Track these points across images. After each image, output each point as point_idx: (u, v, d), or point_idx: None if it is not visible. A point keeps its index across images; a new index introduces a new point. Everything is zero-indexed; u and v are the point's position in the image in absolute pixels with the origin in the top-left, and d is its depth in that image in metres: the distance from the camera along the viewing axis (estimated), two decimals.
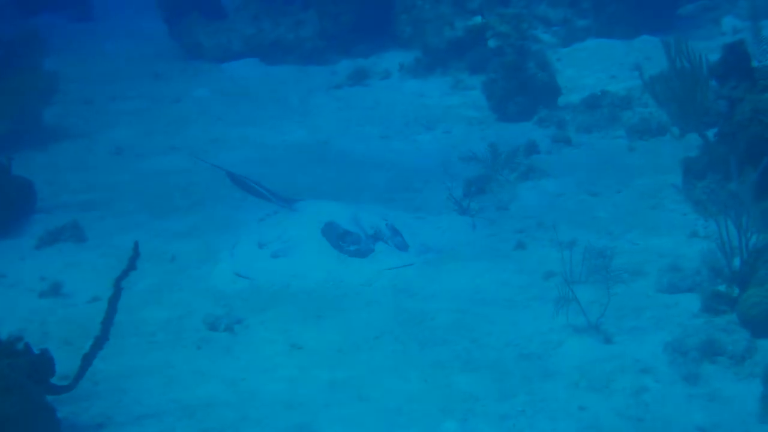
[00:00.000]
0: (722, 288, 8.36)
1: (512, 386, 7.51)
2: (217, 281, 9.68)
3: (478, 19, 15.59)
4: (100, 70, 18.56)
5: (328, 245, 9.90)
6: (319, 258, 9.80)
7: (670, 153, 11.64)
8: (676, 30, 14.72)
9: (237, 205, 11.47)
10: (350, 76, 16.44)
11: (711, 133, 10.62)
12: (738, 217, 8.33)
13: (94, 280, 9.53)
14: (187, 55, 19.35)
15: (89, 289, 9.48)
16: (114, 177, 12.70)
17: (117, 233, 10.72)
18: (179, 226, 11.05)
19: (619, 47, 15.67)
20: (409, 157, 12.89)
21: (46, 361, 7.13)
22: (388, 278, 9.54)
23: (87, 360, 7.35)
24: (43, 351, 7.14)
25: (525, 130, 13.12)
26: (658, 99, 11.13)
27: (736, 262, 8.35)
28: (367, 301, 9.16)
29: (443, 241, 10.30)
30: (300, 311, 8.98)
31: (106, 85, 17.29)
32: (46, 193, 12.01)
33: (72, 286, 9.65)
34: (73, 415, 7.31)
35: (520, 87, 13.72)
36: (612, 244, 9.61)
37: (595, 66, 15.16)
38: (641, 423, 6.95)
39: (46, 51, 17.28)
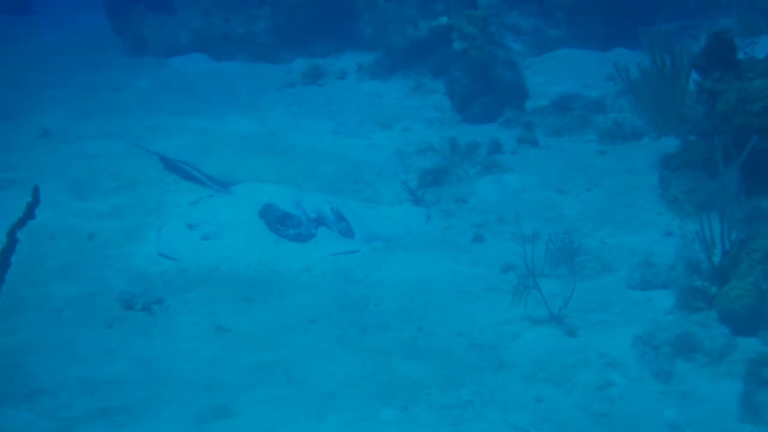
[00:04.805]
0: (700, 283, 7.66)
1: (461, 376, 6.99)
2: (139, 261, 9.00)
3: (444, 19, 14.69)
4: (35, 60, 17.44)
5: (265, 228, 9.17)
6: (254, 241, 9.10)
7: (644, 156, 10.88)
8: None
9: (169, 189, 10.62)
10: (305, 75, 15.43)
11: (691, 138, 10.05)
12: (721, 209, 7.68)
13: None
14: (130, 49, 18.17)
15: None
16: (37, 158, 11.73)
17: None
18: (102, 207, 10.24)
19: (592, 58, 14.84)
20: (361, 152, 11.96)
21: None
22: (329, 264, 8.88)
23: None
24: None
25: (489, 131, 12.17)
26: (639, 98, 10.69)
27: (715, 259, 7.74)
28: (305, 286, 8.53)
29: (393, 230, 9.53)
30: (229, 294, 8.37)
31: (41, 74, 16.21)
32: None
33: None
34: None
35: (486, 86, 12.83)
36: (580, 240, 8.75)
37: (567, 74, 14.30)
38: (605, 418, 6.40)
39: None
